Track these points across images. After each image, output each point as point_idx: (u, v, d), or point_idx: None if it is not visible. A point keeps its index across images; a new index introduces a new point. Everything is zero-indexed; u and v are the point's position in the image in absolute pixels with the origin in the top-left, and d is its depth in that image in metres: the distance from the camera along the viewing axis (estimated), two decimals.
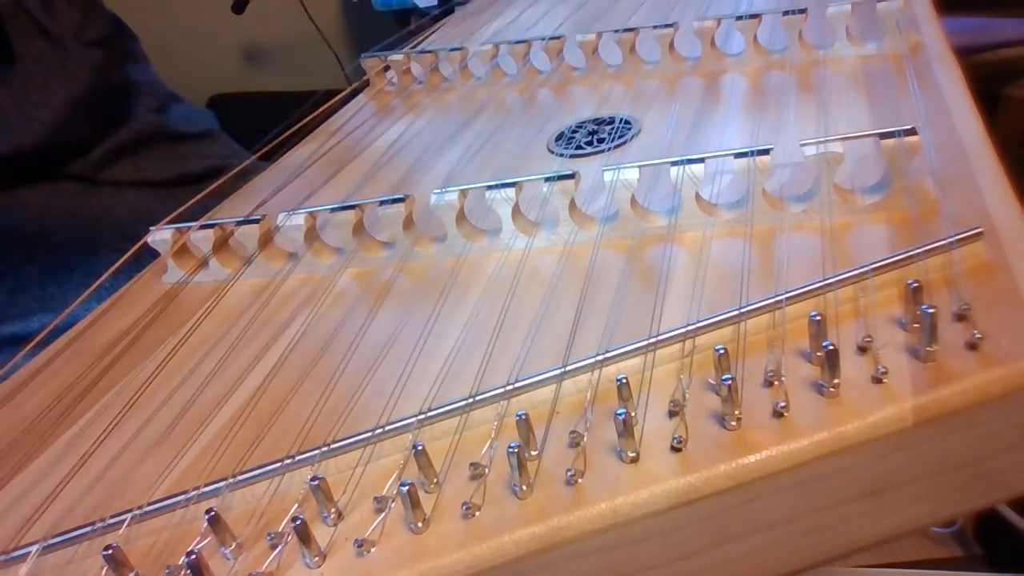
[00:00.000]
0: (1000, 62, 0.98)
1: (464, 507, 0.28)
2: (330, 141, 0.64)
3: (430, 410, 0.32)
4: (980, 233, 0.32)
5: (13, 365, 0.45)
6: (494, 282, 0.41)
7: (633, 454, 0.28)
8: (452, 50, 0.69)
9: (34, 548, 0.31)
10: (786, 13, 0.57)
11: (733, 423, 0.28)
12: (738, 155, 0.40)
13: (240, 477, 0.32)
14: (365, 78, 0.72)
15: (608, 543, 0.27)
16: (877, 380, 0.28)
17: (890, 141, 0.37)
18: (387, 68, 0.72)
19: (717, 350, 0.29)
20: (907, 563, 0.57)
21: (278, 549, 0.29)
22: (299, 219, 0.46)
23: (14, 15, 0.72)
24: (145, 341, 0.45)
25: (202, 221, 0.50)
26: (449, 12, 0.95)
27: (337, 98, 0.69)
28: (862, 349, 0.30)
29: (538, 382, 0.32)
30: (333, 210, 0.46)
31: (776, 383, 0.29)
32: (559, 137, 0.55)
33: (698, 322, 0.32)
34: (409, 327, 0.39)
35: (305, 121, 0.64)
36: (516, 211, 0.43)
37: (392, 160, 0.58)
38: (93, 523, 0.31)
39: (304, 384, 0.37)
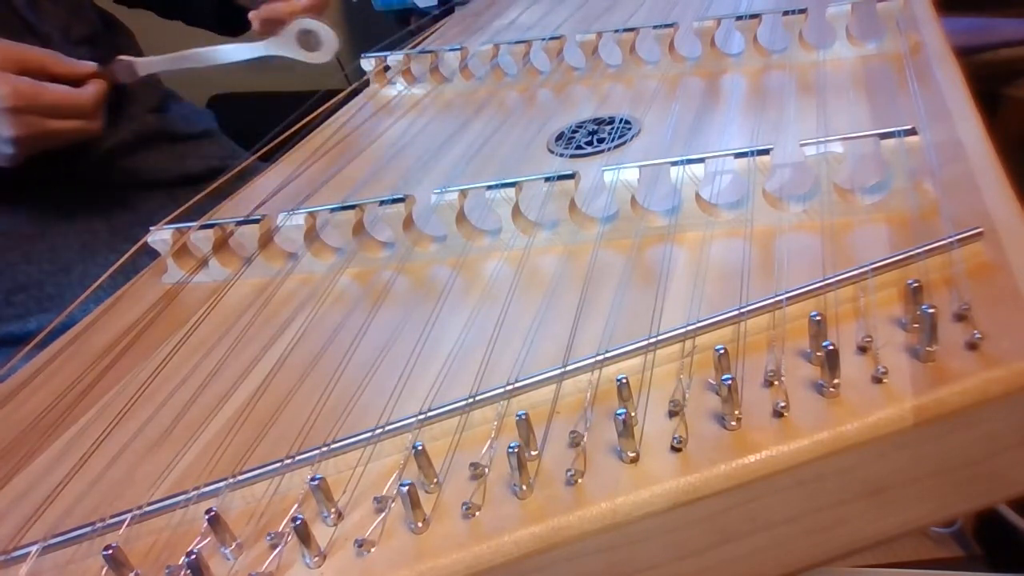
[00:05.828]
0: (1000, 62, 0.98)
1: (464, 507, 0.28)
2: (330, 141, 0.64)
3: (430, 410, 0.32)
4: (980, 233, 0.32)
5: (11, 366, 0.45)
6: (494, 282, 0.41)
7: (633, 454, 0.28)
8: (452, 50, 0.69)
9: (34, 548, 0.31)
10: (786, 13, 0.57)
11: (733, 423, 0.28)
12: (738, 155, 0.40)
13: (240, 477, 0.32)
14: (365, 78, 0.72)
15: (608, 543, 0.27)
16: (877, 380, 0.28)
17: (890, 141, 0.37)
18: (387, 68, 0.72)
19: (717, 350, 0.29)
20: (907, 563, 0.57)
21: (278, 549, 0.29)
22: (299, 219, 0.46)
23: (1, 14, 0.72)
24: (145, 341, 0.45)
25: (202, 221, 0.50)
26: (449, 12, 0.95)
27: (337, 98, 0.69)
28: (862, 349, 0.30)
29: (538, 382, 0.32)
30: (333, 210, 0.46)
31: (776, 383, 0.29)
32: (559, 137, 0.55)
33: (698, 322, 0.32)
34: (409, 327, 0.39)
35: (305, 121, 0.64)
36: (516, 211, 0.43)
37: (392, 160, 0.58)
38: (93, 523, 0.31)
39: (304, 384, 0.37)
